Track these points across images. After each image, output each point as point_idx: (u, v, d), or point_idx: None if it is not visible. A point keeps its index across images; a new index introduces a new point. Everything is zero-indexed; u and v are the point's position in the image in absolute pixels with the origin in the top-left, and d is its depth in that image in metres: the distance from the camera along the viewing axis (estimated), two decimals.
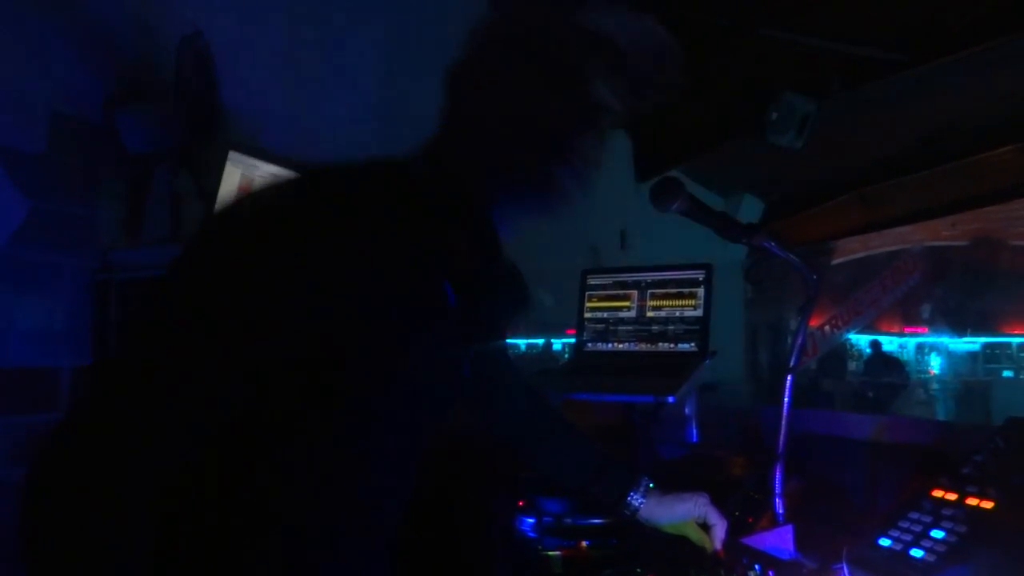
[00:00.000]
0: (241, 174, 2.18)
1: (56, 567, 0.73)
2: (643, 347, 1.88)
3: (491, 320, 1.18)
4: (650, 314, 1.89)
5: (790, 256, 1.35)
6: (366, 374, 0.86)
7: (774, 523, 1.41)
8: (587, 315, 1.99)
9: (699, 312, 1.82)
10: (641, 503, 1.29)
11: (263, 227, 0.82)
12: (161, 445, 0.76)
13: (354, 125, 3.04)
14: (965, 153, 2.93)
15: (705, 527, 1.30)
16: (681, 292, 1.85)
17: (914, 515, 1.14)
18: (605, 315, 1.96)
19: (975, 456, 1.23)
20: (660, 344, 1.86)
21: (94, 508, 0.73)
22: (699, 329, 1.81)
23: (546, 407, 1.38)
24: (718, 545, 1.28)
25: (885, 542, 1.12)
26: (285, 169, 2.29)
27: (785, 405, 1.45)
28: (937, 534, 1.08)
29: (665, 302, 1.87)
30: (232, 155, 2.14)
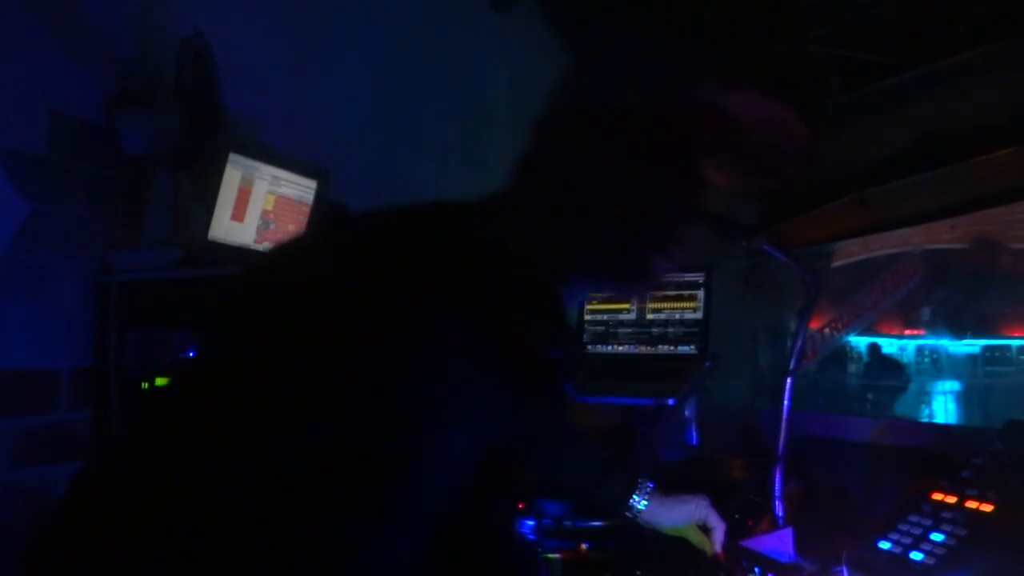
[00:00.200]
0: (241, 176, 2.18)
1: None
2: (643, 349, 1.88)
3: (543, 395, 1.14)
4: (650, 316, 1.89)
5: (790, 259, 1.35)
6: (411, 448, 0.79)
7: (774, 526, 1.42)
8: (587, 317, 1.99)
9: (699, 315, 1.82)
10: (644, 506, 1.29)
11: (317, 296, 0.77)
12: (209, 496, 0.72)
13: (355, 127, 3.04)
14: (965, 156, 2.92)
15: (705, 529, 1.30)
16: (681, 294, 1.85)
17: (914, 518, 1.14)
18: (605, 317, 1.96)
19: (975, 459, 1.23)
20: (660, 347, 1.86)
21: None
22: (699, 331, 1.81)
23: (552, 412, 1.37)
24: (718, 548, 1.28)
25: (885, 545, 1.11)
26: (285, 171, 2.29)
27: (785, 408, 1.45)
28: (937, 537, 1.08)
29: (665, 304, 1.87)
30: (232, 157, 2.14)
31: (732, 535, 1.31)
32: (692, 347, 1.81)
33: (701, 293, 1.83)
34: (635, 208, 0.86)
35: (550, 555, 1.43)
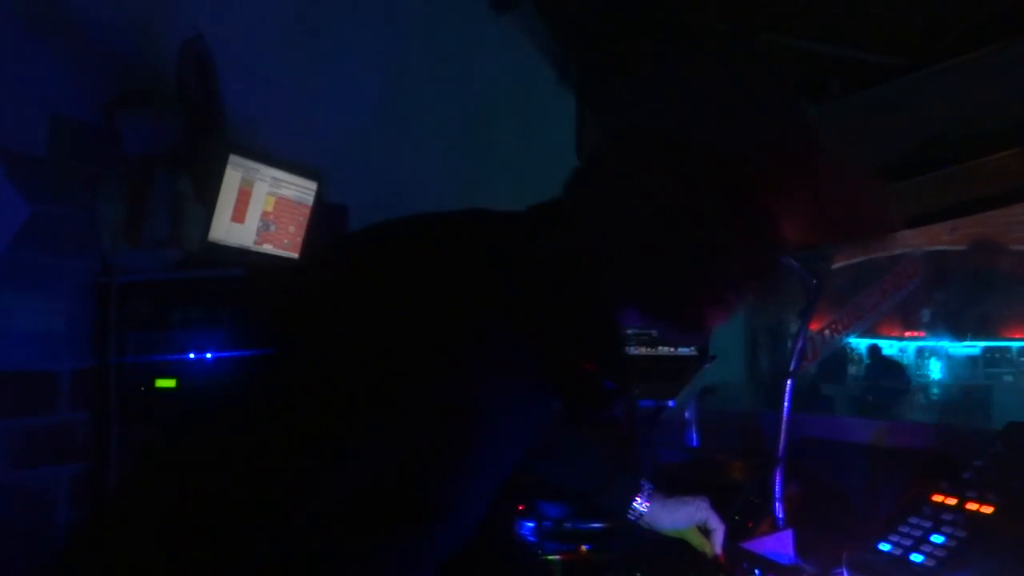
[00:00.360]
0: (241, 177, 2.18)
1: None
2: (643, 351, 1.88)
3: (588, 417, 1.12)
4: None
5: (790, 261, 1.35)
6: (461, 471, 0.75)
7: (774, 527, 1.41)
8: None
9: None
10: (647, 508, 1.29)
11: (366, 310, 0.72)
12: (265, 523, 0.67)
13: (355, 128, 3.04)
14: (965, 158, 2.92)
15: (705, 531, 1.30)
16: None
17: (914, 520, 1.14)
18: None
19: (975, 461, 1.23)
20: (660, 348, 1.86)
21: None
22: None
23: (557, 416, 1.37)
24: (718, 549, 1.28)
25: (885, 547, 1.11)
26: (285, 172, 2.29)
27: (785, 409, 1.45)
28: (937, 539, 1.08)
29: None
30: (232, 158, 2.15)
31: (732, 537, 1.31)
32: (692, 348, 1.81)
33: None
34: (700, 251, 0.79)
35: (550, 557, 1.42)
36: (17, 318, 1.96)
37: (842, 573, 1.11)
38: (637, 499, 1.29)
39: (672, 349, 1.84)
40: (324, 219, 2.46)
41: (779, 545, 1.36)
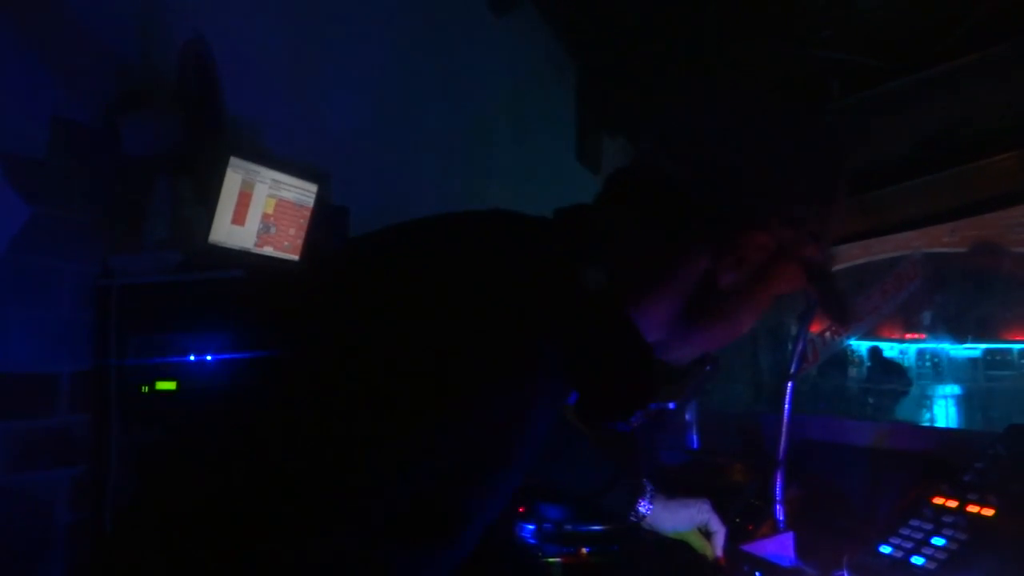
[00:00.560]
0: (242, 179, 2.18)
1: None
2: None
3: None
4: None
5: None
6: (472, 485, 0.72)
7: (775, 530, 1.41)
8: None
9: None
10: (649, 510, 1.29)
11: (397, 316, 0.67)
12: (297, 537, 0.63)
13: (355, 130, 3.04)
14: (966, 159, 2.92)
15: (706, 534, 1.30)
16: None
17: (915, 522, 1.14)
18: None
19: (976, 463, 1.23)
20: None
21: None
22: None
23: (560, 420, 1.37)
24: (719, 552, 1.28)
25: (886, 549, 1.11)
26: (286, 174, 2.29)
27: (786, 411, 1.45)
28: (938, 541, 1.08)
29: None
30: (233, 160, 2.15)
31: (733, 539, 1.31)
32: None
33: None
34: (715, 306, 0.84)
35: (551, 559, 1.42)
36: (17, 320, 1.96)
37: None
38: (640, 501, 1.29)
39: None
40: (325, 221, 2.46)
41: (780, 548, 1.35)
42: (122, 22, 2.23)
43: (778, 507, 1.42)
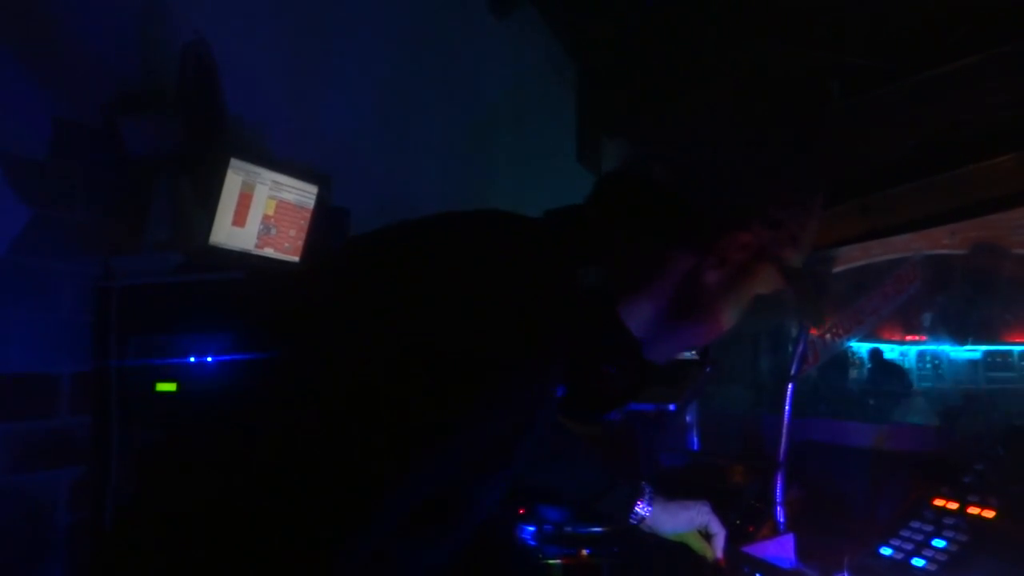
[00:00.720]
0: (242, 181, 2.18)
1: None
2: None
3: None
4: None
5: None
6: (471, 481, 0.74)
7: (775, 532, 1.41)
8: None
9: None
10: (648, 512, 1.29)
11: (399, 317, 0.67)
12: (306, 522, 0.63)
13: (356, 131, 3.04)
14: (966, 161, 2.92)
15: (706, 535, 1.29)
16: None
17: (915, 524, 1.14)
18: None
19: (976, 465, 1.23)
20: None
21: None
22: None
23: (557, 425, 1.36)
24: (719, 553, 1.28)
25: (887, 551, 1.11)
26: (286, 176, 2.29)
27: (786, 413, 1.45)
28: (939, 543, 1.08)
29: None
30: (233, 161, 2.15)
31: (733, 541, 1.30)
32: (693, 352, 1.81)
33: None
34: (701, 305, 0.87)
35: (551, 561, 1.42)
36: (18, 321, 1.96)
37: None
38: (638, 503, 1.29)
39: None
40: (325, 222, 2.46)
41: (780, 549, 1.35)
42: (123, 24, 2.23)
43: (778, 509, 1.42)
